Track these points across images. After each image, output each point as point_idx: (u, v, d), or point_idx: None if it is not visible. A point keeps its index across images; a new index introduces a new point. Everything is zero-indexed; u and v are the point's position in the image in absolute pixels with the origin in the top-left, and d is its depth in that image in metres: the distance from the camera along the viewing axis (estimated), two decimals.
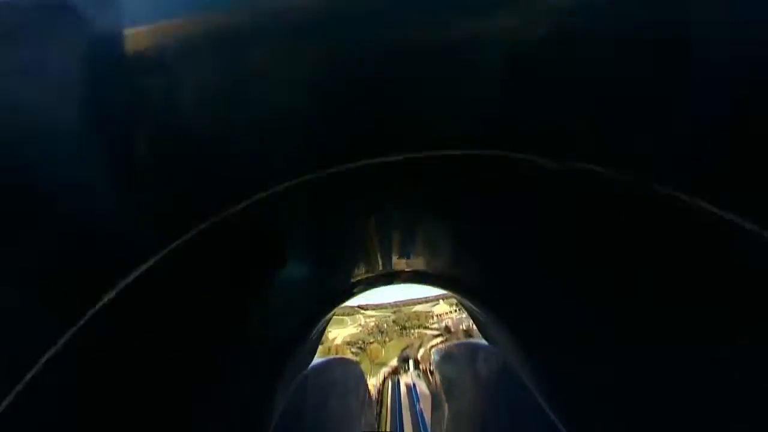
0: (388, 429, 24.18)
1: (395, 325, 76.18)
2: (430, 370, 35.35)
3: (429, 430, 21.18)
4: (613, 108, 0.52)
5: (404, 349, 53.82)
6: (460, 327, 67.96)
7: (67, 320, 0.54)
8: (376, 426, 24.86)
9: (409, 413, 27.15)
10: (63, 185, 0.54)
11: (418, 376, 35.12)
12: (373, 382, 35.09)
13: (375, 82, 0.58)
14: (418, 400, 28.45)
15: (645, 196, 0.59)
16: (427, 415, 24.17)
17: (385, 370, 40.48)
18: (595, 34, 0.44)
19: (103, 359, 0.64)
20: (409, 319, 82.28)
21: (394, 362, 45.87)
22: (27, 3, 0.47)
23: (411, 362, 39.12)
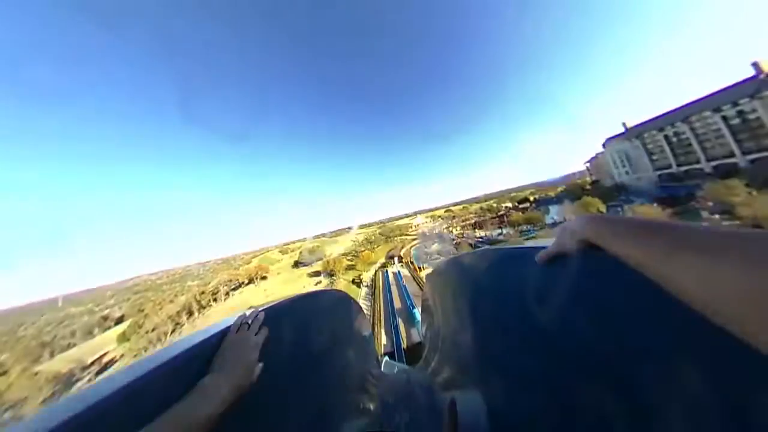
0: (381, 301, 33.80)
1: (381, 236, 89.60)
2: (410, 261, 45.72)
3: (411, 297, 30.21)
4: None
5: (389, 251, 66.00)
6: (434, 232, 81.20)
7: None
8: (372, 300, 34.79)
9: (395, 287, 37.25)
10: None
11: (402, 266, 45.40)
12: (368, 275, 45.48)
13: None
14: (401, 279, 38.55)
15: None
16: (410, 288, 34.16)
17: (376, 266, 51.30)
18: None
19: None
20: (392, 231, 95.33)
21: (382, 260, 57.27)
22: None
23: (396, 258, 49.19)
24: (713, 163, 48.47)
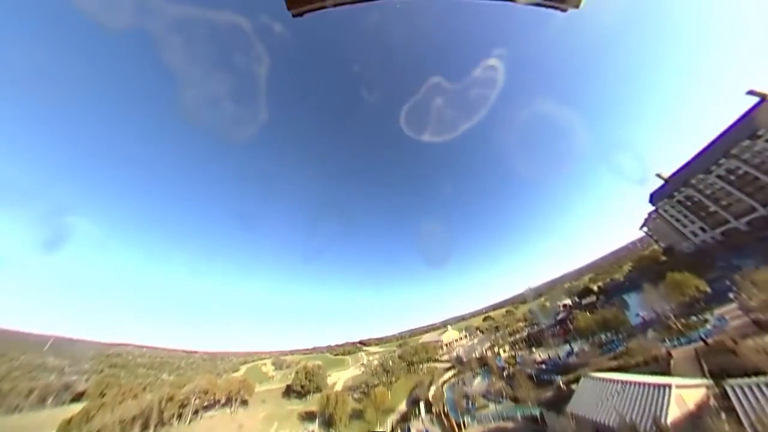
0: None
1: (401, 360, 68.58)
2: (444, 412, 30.16)
3: None
4: None
5: (413, 389, 47.63)
6: (473, 355, 61.55)
7: None
8: None
9: None
10: None
11: (432, 421, 29.71)
12: None
13: None
14: None
15: None
16: None
17: (393, 418, 34.73)
18: None
19: None
20: (416, 352, 74.43)
21: (402, 406, 39.80)
22: None
23: (422, 404, 33.49)
24: None
